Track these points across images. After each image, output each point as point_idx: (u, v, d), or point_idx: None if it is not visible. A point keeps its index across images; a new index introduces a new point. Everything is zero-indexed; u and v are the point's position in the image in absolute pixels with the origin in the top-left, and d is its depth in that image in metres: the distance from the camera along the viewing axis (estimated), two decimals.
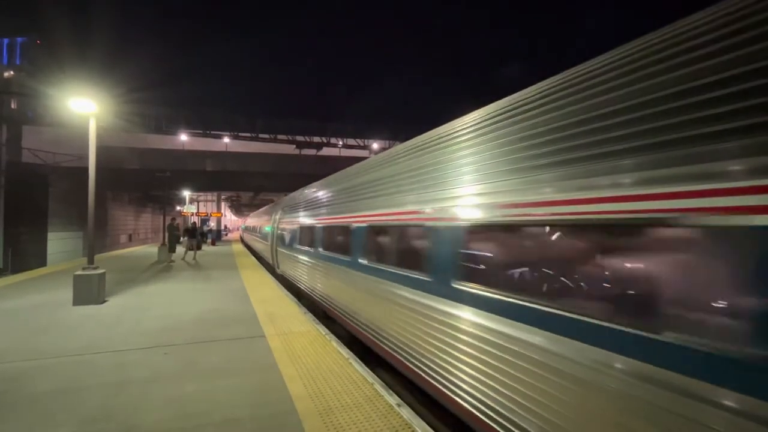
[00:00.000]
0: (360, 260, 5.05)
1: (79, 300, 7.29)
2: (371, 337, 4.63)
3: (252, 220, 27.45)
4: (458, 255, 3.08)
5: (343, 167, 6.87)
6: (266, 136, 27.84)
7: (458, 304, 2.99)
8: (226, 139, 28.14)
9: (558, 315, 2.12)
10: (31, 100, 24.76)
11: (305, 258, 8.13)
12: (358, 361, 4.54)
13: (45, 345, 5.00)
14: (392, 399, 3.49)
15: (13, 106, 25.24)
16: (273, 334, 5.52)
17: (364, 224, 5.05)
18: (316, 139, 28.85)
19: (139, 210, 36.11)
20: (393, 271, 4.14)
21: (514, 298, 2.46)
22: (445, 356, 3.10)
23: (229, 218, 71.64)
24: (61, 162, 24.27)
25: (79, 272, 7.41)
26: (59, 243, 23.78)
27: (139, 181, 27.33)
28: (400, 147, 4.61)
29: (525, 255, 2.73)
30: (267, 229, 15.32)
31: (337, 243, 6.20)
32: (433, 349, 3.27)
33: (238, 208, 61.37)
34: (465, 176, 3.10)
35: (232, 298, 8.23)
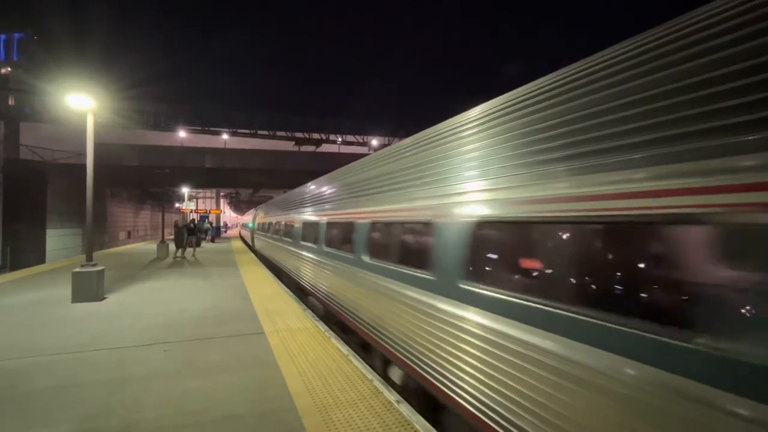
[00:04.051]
0: None
1: (78, 297, 7.28)
2: None
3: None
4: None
5: (343, 164, 6.76)
6: (265, 132, 27.71)
7: None
8: (225, 136, 28.01)
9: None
10: (28, 97, 24.63)
11: None
12: (358, 357, 4.56)
13: (44, 342, 5.00)
14: (391, 396, 3.50)
15: (10, 103, 25.13)
16: (272, 331, 5.52)
17: None
18: (315, 135, 28.73)
19: (138, 207, 36.04)
20: None
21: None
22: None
23: (228, 215, 71.51)
24: (60, 159, 24.16)
25: (78, 269, 7.40)
26: (58, 240, 23.72)
27: (138, 178, 27.26)
28: None
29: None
30: None
31: None
32: None
33: (237, 205, 61.33)
34: None
35: (231, 294, 8.23)
